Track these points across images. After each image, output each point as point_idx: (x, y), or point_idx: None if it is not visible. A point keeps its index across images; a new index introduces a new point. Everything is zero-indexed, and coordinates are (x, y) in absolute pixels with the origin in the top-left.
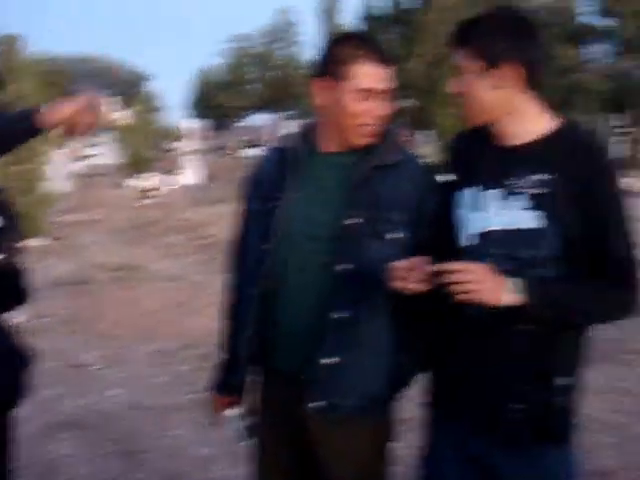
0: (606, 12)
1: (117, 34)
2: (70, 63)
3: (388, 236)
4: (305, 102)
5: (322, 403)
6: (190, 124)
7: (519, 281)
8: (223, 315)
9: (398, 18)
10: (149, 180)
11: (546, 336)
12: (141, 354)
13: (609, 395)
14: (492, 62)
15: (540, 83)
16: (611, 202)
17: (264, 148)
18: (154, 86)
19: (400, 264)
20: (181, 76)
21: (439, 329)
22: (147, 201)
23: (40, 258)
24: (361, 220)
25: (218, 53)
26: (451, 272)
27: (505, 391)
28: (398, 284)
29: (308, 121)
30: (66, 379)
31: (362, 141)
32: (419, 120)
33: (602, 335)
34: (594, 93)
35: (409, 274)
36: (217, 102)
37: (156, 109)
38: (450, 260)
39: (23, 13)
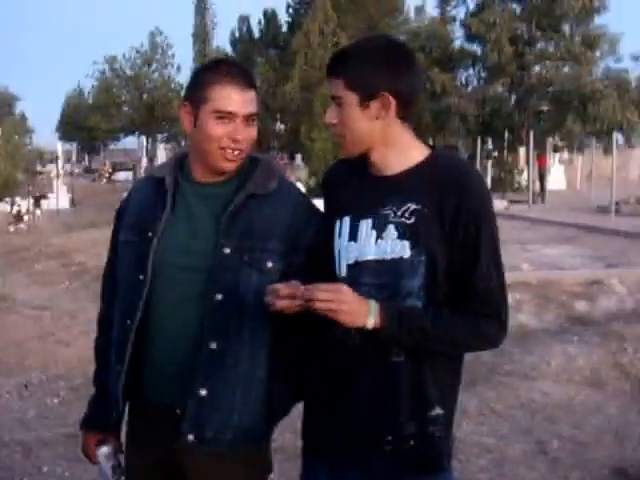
0: (473, 38)
1: None
2: None
3: (264, 265)
4: (177, 125)
5: (193, 436)
6: (61, 147)
7: (376, 304)
8: (95, 348)
9: (272, 41)
10: (19, 204)
11: (418, 367)
12: (9, 387)
13: (483, 417)
14: (367, 93)
15: (413, 113)
16: (481, 241)
17: (135, 173)
18: (24, 108)
19: (277, 285)
20: (51, 98)
21: (311, 360)
22: (17, 226)
23: None
24: (236, 250)
25: (89, 75)
26: (316, 291)
27: (378, 424)
28: (270, 300)
29: (182, 150)
30: None
31: (228, 166)
32: (293, 143)
33: (475, 358)
34: (466, 117)
35: (281, 293)
36: (88, 124)
37: (26, 131)
38: None
39: None
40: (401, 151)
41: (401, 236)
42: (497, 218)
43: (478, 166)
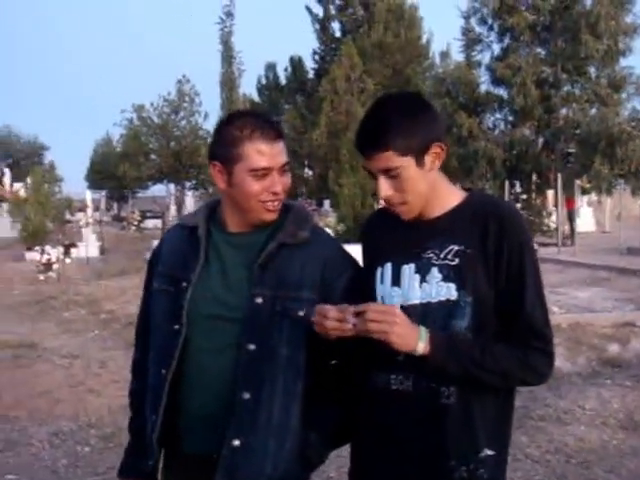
0: (499, 82)
1: (14, 106)
2: None
3: (297, 314)
4: (205, 172)
5: None
6: (90, 195)
7: (427, 331)
8: (130, 396)
9: (299, 88)
10: (49, 253)
11: (467, 409)
12: (40, 436)
13: (517, 463)
14: (420, 151)
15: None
16: (526, 271)
17: (164, 221)
18: (53, 157)
19: (327, 307)
20: (80, 147)
21: (356, 405)
22: (47, 274)
23: None
24: (268, 299)
25: (117, 123)
26: (369, 310)
27: (428, 468)
28: (320, 328)
29: (213, 199)
30: None
31: (269, 217)
32: (321, 189)
33: None
34: (493, 160)
35: (333, 318)
36: (116, 173)
37: (55, 180)
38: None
39: None
40: (440, 195)
41: (446, 278)
42: None
43: None
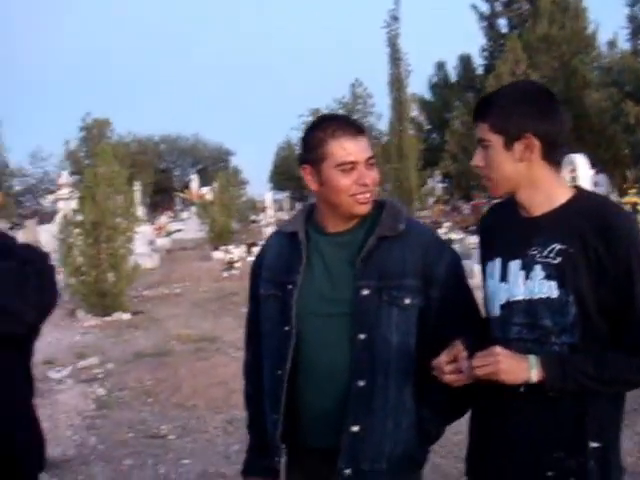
0: None
1: (200, 112)
2: (157, 142)
3: (403, 302)
4: (385, 169)
5: (350, 471)
6: (270, 197)
7: (536, 358)
8: (245, 398)
9: (468, 85)
10: (233, 252)
11: (579, 401)
12: (215, 423)
13: None
14: (511, 136)
15: (558, 155)
16: (632, 269)
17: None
18: (238, 161)
19: (441, 360)
20: (263, 151)
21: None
22: (231, 272)
23: (123, 332)
24: (374, 290)
25: (296, 127)
26: (474, 362)
27: (538, 458)
28: (438, 375)
29: (308, 204)
30: (142, 449)
31: (361, 209)
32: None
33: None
34: None
35: (446, 370)
36: (297, 174)
37: (239, 183)
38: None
39: (109, 96)
40: (546, 192)
41: (548, 276)
42: None
43: None
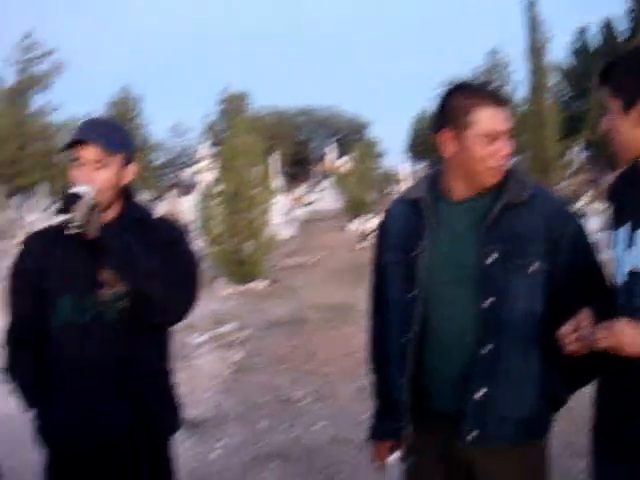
0: None
1: (337, 84)
2: (294, 115)
3: (529, 267)
4: (521, 139)
5: (476, 434)
6: (408, 167)
7: None
8: (371, 362)
9: (611, 52)
10: (369, 223)
11: None
12: (347, 391)
13: None
14: (628, 100)
15: None
16: None
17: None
18: (374, 132)
19: (565, 329)
20: (400, 122)
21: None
22: (366, 243)
23: (260, 300)
24: (500, 255)
25: (433, 98)
26: (596, 333)
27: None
28: (569, 348)
29: (433, 170)
30: (277, 413)
31: (492, 180)
32: None
33: None
34: None
35: (567, 340)
36: (433, 145)
37: (376, 154)
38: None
39: (247, 70)
40: None
41: None
42: None
43: None
